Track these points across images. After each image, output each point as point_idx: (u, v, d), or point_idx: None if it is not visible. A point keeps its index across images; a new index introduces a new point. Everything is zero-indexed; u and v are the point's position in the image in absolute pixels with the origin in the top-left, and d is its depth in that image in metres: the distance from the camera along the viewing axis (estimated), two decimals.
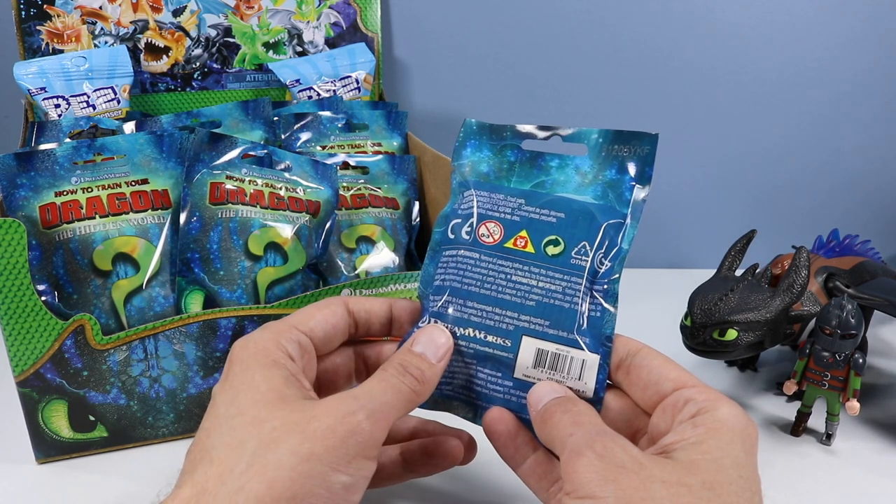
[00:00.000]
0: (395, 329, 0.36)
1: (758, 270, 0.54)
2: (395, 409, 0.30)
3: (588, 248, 0.33)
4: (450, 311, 0.33)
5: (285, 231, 0.48)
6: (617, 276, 0.33)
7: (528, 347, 0.32)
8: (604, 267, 0.33)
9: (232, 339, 0.47)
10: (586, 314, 0.33)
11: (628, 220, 0.34)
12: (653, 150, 0.34)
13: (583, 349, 0.32)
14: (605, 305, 0.33)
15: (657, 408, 0.31)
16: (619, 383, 0.33)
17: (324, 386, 0.35)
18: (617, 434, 0.28)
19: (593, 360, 0.32)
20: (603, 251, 0.33)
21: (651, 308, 0.64)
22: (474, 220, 0.35)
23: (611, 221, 0.34)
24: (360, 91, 0.67)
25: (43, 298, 0.43)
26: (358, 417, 0.28)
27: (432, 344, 0.32)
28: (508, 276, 0.33)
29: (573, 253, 0.33)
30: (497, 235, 0.34)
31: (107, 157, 0.47)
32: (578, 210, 0.34)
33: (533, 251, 0.33)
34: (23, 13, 0.61)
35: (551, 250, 0.33)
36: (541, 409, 0.31)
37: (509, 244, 0.34)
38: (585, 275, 0.33)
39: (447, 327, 0.33)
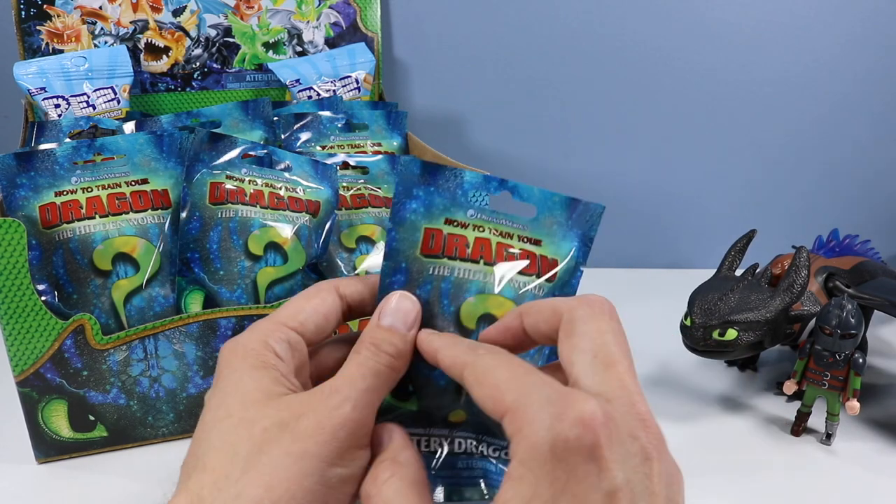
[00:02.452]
0: None
1: (758, 270, 0.54)
2: (378, 392, 0.29)
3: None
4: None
5: (285, 231, 0.48)
6: None
7: None
8: None
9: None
10: None
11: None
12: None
13: None
14: None
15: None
16: None
17: (324, 375, 0.34)
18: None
19: None
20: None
21: (651, 308, 0.64)
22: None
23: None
24: (359, 91, 0.67)
25: (43, 298, 0.43)
26: (344, 410, 0.27)
27: (399, 312, 0.31)
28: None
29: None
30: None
31: (107, 157, 0.47)
32: None
33: None
34: (23, 13, 0.61)
35: None
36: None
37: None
38: None
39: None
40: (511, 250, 0.33)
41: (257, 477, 0.26)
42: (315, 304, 0.32)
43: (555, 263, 0.33)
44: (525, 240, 0.33)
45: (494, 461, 0.32)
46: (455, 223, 0.33)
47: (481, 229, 0.33)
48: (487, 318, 0.32)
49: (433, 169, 0.34)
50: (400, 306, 0.31)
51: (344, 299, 0.33)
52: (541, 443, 0.23)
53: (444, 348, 0.29)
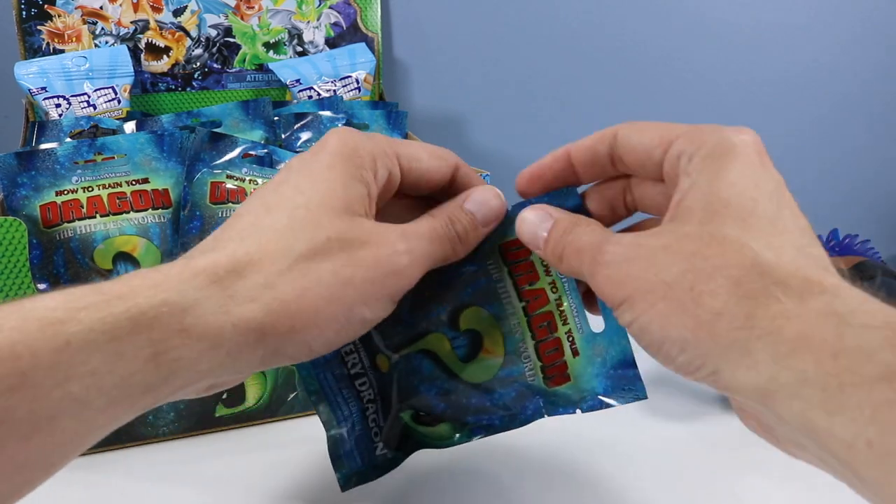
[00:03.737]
0: None
1: None
2: (433, 261, 0.29)
3: None
4: None
5: None
6: None
7: None
8: None
9: None
10: None
11: None
12: None
13: None
14: None
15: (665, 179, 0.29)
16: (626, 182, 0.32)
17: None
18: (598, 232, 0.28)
19: None
20: None
21: None
22: None
23: None
24: (360, 91, 0.68)
25: None
26: (403, 260, 0.27)
27: (484, 206, 0.31)
28: None
29: None
30: None
31: (107, 156, 0.47)
32: None
33: None
34: (23, 13, 0.61)
35: None
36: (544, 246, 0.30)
37: None
38: None
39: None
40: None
41: (297, 279, 0.25)
42: (431, 167, 0.31)
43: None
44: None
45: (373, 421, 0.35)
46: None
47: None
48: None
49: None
50: (486, 200, 0.31)
51: (455, 180, 0.32)
52: (724, 139, 0.26)
53: (589, 137, 0.32)
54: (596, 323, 0.32)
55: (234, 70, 0.68)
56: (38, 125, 0.55)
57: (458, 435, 0.33)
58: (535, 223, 0.30)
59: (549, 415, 0.32)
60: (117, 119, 0.58)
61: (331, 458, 0.34)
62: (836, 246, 0.60)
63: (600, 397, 0.31)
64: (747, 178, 0.25)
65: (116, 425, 0.24)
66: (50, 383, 0.21)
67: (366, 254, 0.26)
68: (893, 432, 0.19)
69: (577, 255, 0.28)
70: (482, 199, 0.31)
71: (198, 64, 0.67)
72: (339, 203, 0.27)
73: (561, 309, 0.32)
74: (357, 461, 0.35)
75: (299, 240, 0.26)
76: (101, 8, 0.64)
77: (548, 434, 0.49)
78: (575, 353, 0.32)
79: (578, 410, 0.32)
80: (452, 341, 0.33)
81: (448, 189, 0.32)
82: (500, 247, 0.32)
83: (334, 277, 0.26)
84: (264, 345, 0.25)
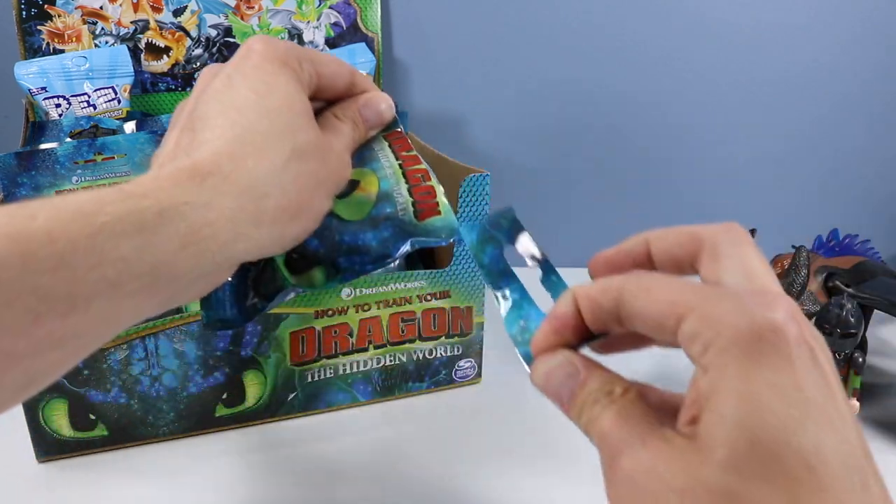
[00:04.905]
0: None
1: None
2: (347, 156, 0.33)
3: None
4: None
5: None
6: None
7: None
8: None
9: (232, 338, 0.47)
10: None
11: None
12: None
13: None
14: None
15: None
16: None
17: None
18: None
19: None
20: None
21: None
22: None
23: None
24: None
25: None
26: (346, 160, 0.33)
27: (379, 115, 0.35)
28: None
29: None
30: None
31: (107, 156, 0.47)
32: None
33: None
34: (23, 13, 0.61)
35: None
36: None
37: None
38: None
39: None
40: None
41: (293, 177, 0.29)
42: (337, 68, 0.34)
43: None
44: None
45: None
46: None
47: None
48: None
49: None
50: (380, 110, 0.35)
51: (354, 86, 0.35)
52: (748, 325, 0.20)
53: (595, 284, 0.25)
54: None
55: None
56: (38, 125, 0.55)
57: (329, 281, 0.34)
58: (560, 380, 0.25)
59: (415, 247, 0.34)
60: (117, 119, 0.58)
61: (200, 301, 0.34)
62: (836, 246, 0.60)
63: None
64: (787, 391, 0.19)
65: (149, 313, 0.26)
66: (86, 266, 0.23)
67: (330, 157, 0.31)
68: None
69: (598, 439, 0.23)
70: (377, 109, 0.35)
71: (198, 64, 0.67)
72: (302, 108, 0.30)
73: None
74: (226, 309, 0.35)
75: (286, 143, 0.29)
76: (101, 8, 0.63)
77: (548, 435, 0.49)
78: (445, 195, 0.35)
79: (443, 242, 0.34)
80: None
81: (344, 94, 0.35)
82: (383, 136, 0.37)
83: (314, 178, 0.30)
84: (267, 231, 0.28)
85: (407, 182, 0.35)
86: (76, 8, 0.63)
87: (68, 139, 0.54)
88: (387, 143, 0.36)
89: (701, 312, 0.21)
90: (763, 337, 0.19)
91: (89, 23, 0.64)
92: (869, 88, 0.75)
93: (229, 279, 0.33)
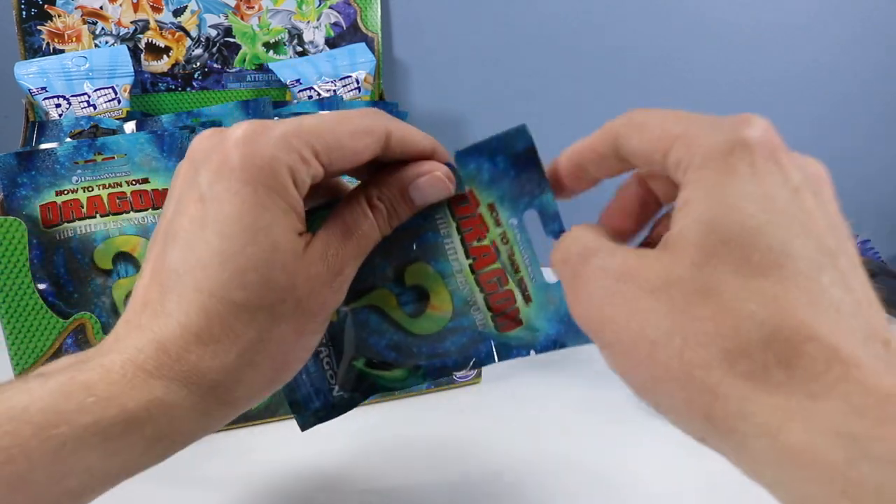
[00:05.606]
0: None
1: None
2: (364, 257, 0.29)
3: None
4: None
5: None
6: None
7: None
8: None
9: None
10: None
11: None
12: None
13: None
14: None
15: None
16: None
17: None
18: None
19: None
20: None
21: None
22: None
23: None
24: (360, 91, 0.68)
25: (44, 297, 0.43)
26: (337, 299, 0.28)
27: (431, 195, 0.29)
28: None
29: None
30: None
31: (107, 156, 0.47)
32: None
33: None
34: (23, 13, 0.61)
35: None
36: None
37: None
38: None
39: None
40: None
41: (264, 347, 0.26)
42: (356, 148, 0.26)
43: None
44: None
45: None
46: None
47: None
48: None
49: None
50: (434, 192, 0.29)
51: (387, 151, 0.27)
52: (721, 143, 0.21)
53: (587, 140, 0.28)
54: (550, 275, 0.32)
55: (234, 70, 0.68)
56: (38, 125, 0.55)
57: (412, 377, 0.33)
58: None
59: (500, 359, 0.33)
60: (117, 119, 0.58)
61: (289, 404, 0.33)
62: None
63: (553, 339, 0.31)
64: (754, 197, 0.20)
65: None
66: (48, 482, 0.22)
67: (312, 307, 0.26)
68: None
69: (562, 253, 0.25)
70: (429, 191, 0.29)
71: (198, 64, 0.67)
72: (286, 257, 0.25)
73: (513, 259, 0.32)
74: (315, 402, 0.35)
75: (261, 309, 0.25)
76: (101, 8, 0.64)
77: (548, 437, 0.49)
78: (528, 299, 0.32)
79: (532, 352, 0.32)
80: (398, 297, 0.33)
81: (382, 156, 0.28)
82: (447, 202, 0.31)
83: (293, 342, 0.27)
84: (243, 407, 0.27)
85: (482, 290, 0.32)
86: (76, 8, 0.63)
87: (68, 139, 0.54)
88: (455, 225, 0.31)
89: (684, 140, 0.22)
90: (734, 151, 0.21)
91: (89, 23, 0.64)
92: (869, 88, 0.75)
93: (304, 376, 0.33)
